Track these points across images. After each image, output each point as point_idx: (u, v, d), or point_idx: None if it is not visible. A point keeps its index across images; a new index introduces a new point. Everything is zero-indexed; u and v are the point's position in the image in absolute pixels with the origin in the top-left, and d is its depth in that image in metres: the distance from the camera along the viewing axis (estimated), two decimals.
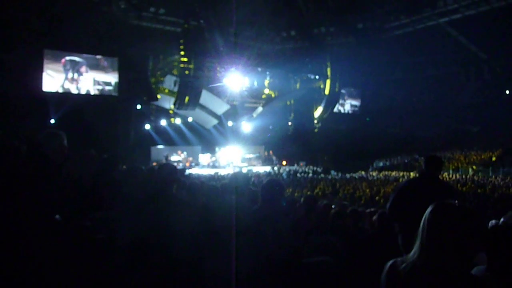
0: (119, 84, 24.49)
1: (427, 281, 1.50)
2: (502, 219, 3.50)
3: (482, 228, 1.62)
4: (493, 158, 27.39)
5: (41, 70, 22.19)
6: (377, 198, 15.08)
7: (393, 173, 25.63)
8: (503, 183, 19.66)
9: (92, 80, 23.99)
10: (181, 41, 22.53)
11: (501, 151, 28.05)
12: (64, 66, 23.14)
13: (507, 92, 34.23)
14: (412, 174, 23.60)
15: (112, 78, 24.52)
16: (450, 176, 23.61)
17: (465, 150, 29.86)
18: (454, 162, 28.11)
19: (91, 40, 22.65)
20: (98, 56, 24.23)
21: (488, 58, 33.72)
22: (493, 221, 5.48)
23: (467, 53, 33.40)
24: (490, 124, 32.75)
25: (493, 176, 22.90)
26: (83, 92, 23.71)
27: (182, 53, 22.45)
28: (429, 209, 1.59)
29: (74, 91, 23.47)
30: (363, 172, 26.82)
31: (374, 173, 26.58)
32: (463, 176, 23.27)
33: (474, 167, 26.33)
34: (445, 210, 1.57)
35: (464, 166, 26.74)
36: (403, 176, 23.12)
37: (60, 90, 22.89)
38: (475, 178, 22.27)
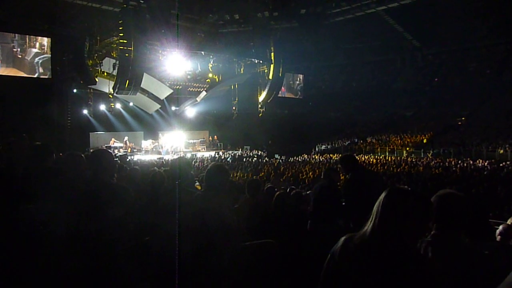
0: (52, 66, 23.03)
1: (377, 255, 1.65)
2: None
3: (430, 210, 1.78)
4: (424, 141, 29.23)
5: None
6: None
7: (335, 156, 26.55)
8: (433, 163, 21.11)
9: None
10: (120, 21, 21.48)
11: (432, 134, 30.01)
12: None
13: (436, 79, 36.50)
14: None
15: None
16: (387, 157, 24.92)
17: (400, 133, 31.55)
18: (390, 144, 29.65)
19: (20, 19, 20.99)
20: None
21: (421, 46, 35.68)
22: None
23: (402, 41, 35.12)
24: (422, 109, 34.87)
25: (424, 158, 24.50)
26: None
27: (121, 34, 21.44)
28: (383, 194, 1.75)
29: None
30: (306, 156, 27.52)
31: (317, 156, 27.37)
32: (398, 158, 24.67)
33: (408, 149, 27.97)
34: (398, 194, 1.73)
35: (399, 149, 28.31)
36: None
37: None
38: (409, 159, 23.69)
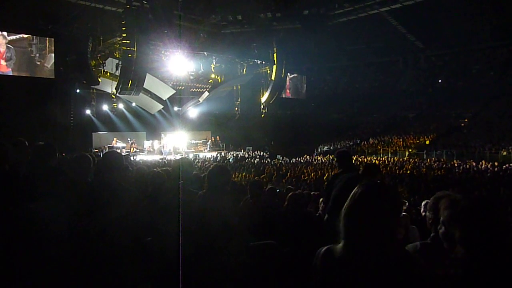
0: (55, 67, 23.10)
1: (356, 263, 1.52)
2: None
3: (396, 203, 1.64)
4: (427, 142, 29.15)
5: None
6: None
7: None
8: (436, 165, 21.04)
9: None
10: (123, 22, 21.52)
11: (434, 135, 29.92)
12: None
13: (439, 81, 36.42)
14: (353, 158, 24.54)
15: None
16: (389, 159, 24.86)
17: (403, 134, 31.46)
18: (393, 146, 29.57)
19: (24, 19, 21.04)
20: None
21: (424, 47, 35.61)
22: (425, 201, 5.87)
23: (405, 42, 35.04)
24: (425, 111, 34.80)
25: (427, 159, 24.42)
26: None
27: (124, 34, 21.47)
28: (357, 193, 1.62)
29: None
30: (308, 157, 27.46)
31: (319, 158, 27.31)
32: (400, 159, 24.60)
33: (410, 150, 27.90)
34: (365, 191, 1.60)
35: (401, 150, 28.23)
36: None
37: None
38: (411, 161, 23.62)
